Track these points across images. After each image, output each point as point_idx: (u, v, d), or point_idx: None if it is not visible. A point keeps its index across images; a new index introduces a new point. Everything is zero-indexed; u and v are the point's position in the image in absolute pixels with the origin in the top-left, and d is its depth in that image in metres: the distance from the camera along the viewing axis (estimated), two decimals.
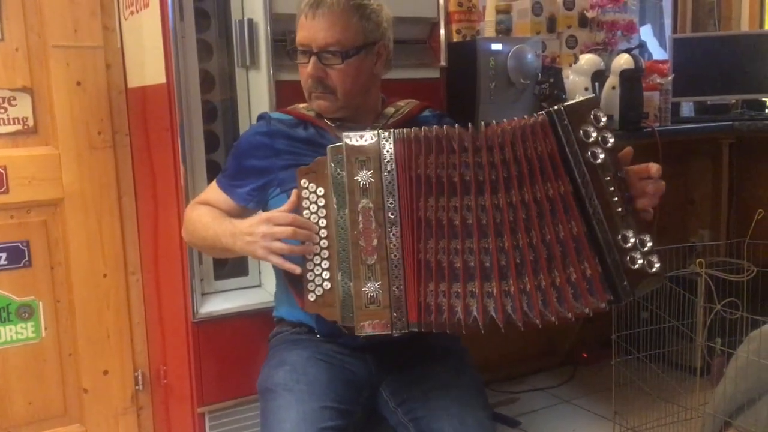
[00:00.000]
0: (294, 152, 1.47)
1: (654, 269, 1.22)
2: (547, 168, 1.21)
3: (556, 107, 1.23)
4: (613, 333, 2.23)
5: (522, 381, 2.78)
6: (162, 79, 1.74)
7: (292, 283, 1.32)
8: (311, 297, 1.28)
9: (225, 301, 1.83)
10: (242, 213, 1.52)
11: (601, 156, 1.22)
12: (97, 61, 2.11)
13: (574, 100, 1.26)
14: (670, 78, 2.74)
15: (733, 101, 3.13)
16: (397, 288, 1.23)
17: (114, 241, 2.18)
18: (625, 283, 1.22)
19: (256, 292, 1.90)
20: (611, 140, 1.22)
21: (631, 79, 2.49)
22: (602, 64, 2.44)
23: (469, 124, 1.25)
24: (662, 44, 3.55)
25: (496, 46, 2.25)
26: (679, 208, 3.19)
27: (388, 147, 1.24)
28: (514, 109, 2.37)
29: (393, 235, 1.23)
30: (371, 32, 1.44)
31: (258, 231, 1.30)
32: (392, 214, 1.23)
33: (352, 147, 1.25)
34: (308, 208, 1.29)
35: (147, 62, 1.90)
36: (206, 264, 1.84)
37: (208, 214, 1.49)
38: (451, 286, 1.21)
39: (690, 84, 2.95)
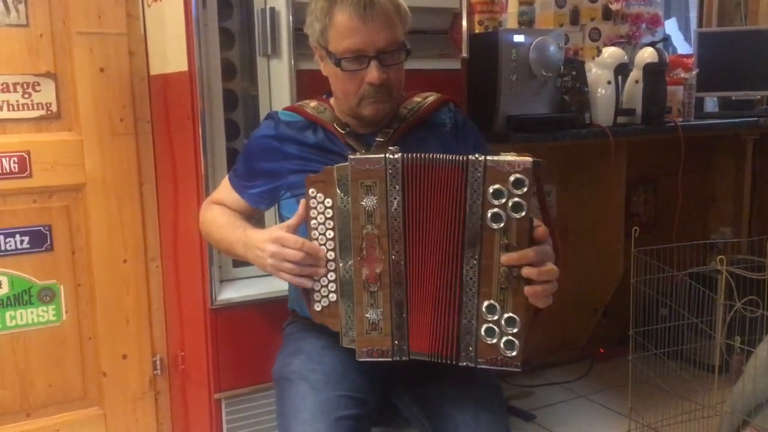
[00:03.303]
0: (303, 157, 1.45)
1: (506, 355, 1.17)
2: (453, 212, 1.19)
3: (477, 157, 1.16)
4: (631, 329, 2.22)
5: (538, 375, 2.78)
6: (184, 66, 1.75)
7: (301, 290, 1.33)
8: (317, 307, 1.30)
9: (243, 288, 1.84)
10: (255, 212, 1.53)
11: (501, 224, 1.16)
12: (120, 48, 2.12)
13: (507, 157, 1.15)
14: (694, 73, 2.71)
15: (758, 97, 3.09)
16: (399, 316, 1.22)
17: (134, 227, 2.20)
18: (471, 348, 1.20)
19: (274, 280, 1.86)
20: (523, 212, 1.15)
21: (654, 73, 2.47)
22: (626, 57, 2.43)
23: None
24: (687, 38, 3.51)
25: (519, 38, 2.24)
26: (700, 204, 3.16)
27: (395, 173, 1.20)
28: (536, 101, 2.36)
29: (397, 263, 1.21)
30: (405, 25, 1.43)
31: (268, 249, 1.31)
32: (398, 242, 1.21)
33: (359, 171, 1.21)
34: (316, 218, 1.28)
35: (169, 50, 1.91)
36: None
37: (223, 217, 1.50)
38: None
39: (714, 79, 2.91)
